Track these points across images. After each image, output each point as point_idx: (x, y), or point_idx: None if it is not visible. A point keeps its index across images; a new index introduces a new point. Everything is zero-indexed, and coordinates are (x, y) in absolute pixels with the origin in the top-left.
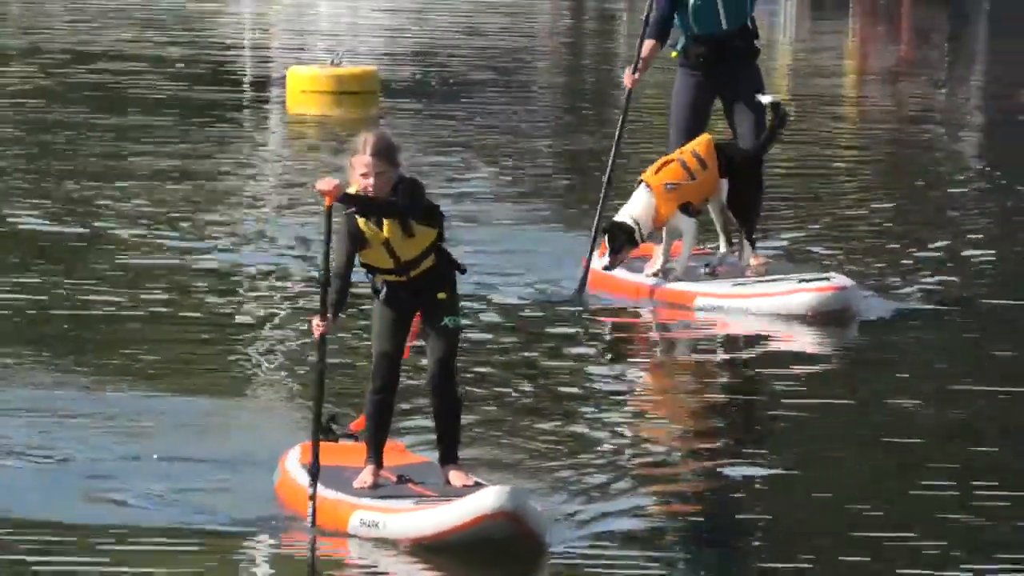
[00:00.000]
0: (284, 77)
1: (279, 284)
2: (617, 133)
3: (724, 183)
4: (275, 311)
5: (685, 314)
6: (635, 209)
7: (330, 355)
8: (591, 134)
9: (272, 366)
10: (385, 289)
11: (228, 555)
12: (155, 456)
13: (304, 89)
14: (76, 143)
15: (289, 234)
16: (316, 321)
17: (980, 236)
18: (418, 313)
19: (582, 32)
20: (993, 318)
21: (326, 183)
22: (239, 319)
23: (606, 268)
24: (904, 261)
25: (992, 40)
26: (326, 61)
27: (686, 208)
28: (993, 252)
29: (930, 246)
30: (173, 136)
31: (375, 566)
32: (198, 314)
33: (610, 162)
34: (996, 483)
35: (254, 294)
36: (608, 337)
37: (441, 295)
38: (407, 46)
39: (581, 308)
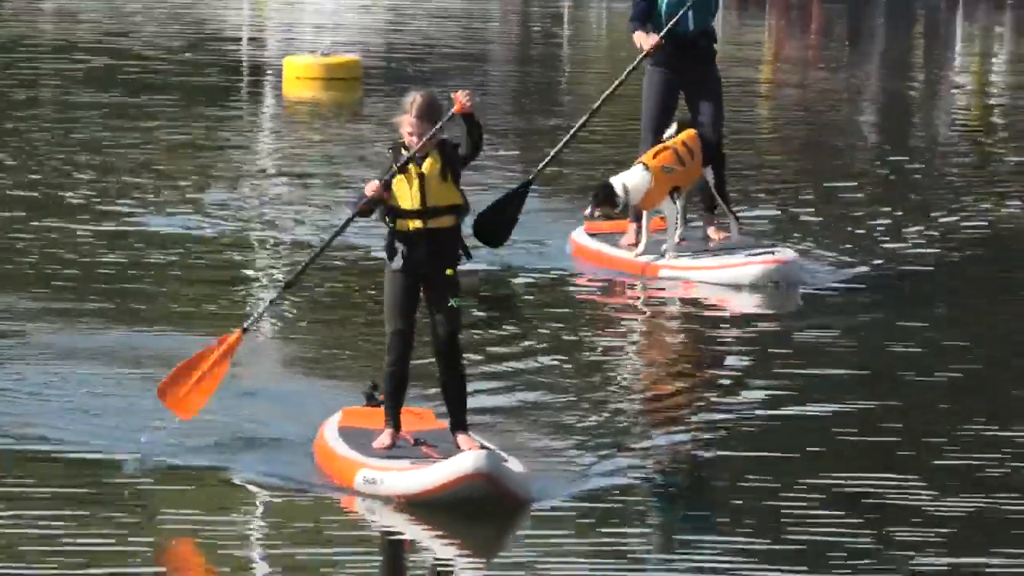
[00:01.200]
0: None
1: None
2: (616, 84)
3: (708, 171)
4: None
5: (653, 283)
6: (629, 180)
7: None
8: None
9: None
10: (401, 250)
11: (256, 506)
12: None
13: (298, 76)
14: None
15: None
16: (374, 184)
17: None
18: (423, 294)
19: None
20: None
21: (371, 187)
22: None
23: (587, 218)
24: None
25: (887, 31)
26: (316, 51)
27: (672, 193)
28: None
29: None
30: (186, 115)
31: (377, 520)
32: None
33: (597, 104)
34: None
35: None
36: (587, 304)
37: (449, 271)
38: (384, 39)
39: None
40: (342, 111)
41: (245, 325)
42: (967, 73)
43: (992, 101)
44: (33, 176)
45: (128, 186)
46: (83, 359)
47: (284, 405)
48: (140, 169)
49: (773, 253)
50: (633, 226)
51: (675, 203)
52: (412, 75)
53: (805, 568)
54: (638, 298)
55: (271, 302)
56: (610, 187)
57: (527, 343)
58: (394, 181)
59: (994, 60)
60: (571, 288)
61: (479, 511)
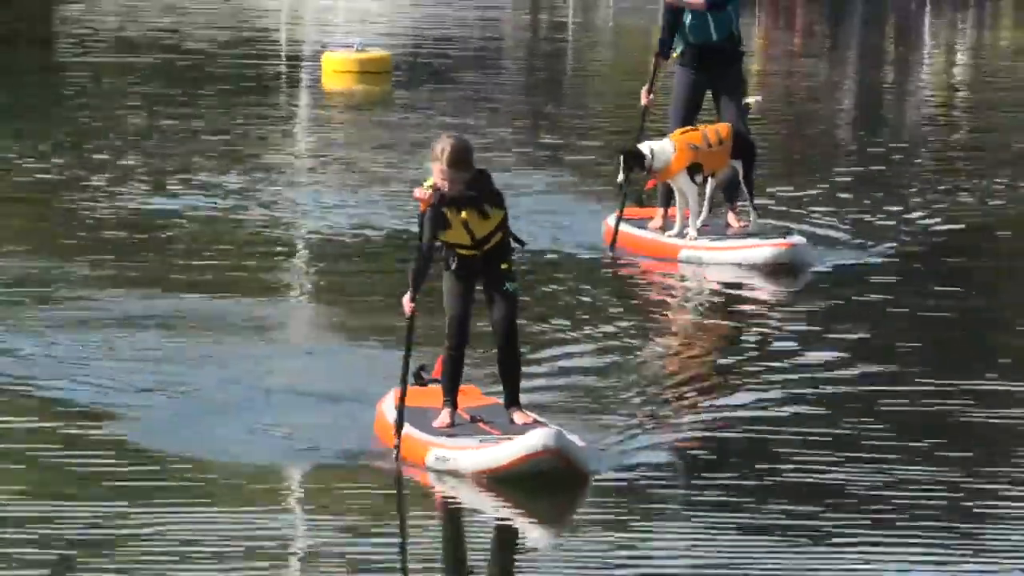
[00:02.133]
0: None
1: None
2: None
3: (738, 164)
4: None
5: (672, 265)
6: (656, 145)
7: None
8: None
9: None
10: (456, 261)
11: (326, 486)
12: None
13: (335, 70)
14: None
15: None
16: (407, 301)
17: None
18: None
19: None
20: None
21: (420, 192)
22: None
23: (619, 185)
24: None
25: (863, 31)
26: (352, 47)
27: (692, 170)
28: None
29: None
30: (236, 103)
31: (449, 494)
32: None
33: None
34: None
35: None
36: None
37: (504, 265)
38: (411, 34)
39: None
40: (375, 101)
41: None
42: (934, 65)
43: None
44: (94, 156)
45: (185, 167)
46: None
47: (349, 381)
48: (196, 153)
49: (785, 237)
50: (661, 211)
51: (694, 181)
52: (435, 68)
53: (852, 540)
54: (671, 280)
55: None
56: (638, 150)
57: (566, 325)
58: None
59: (958, 52)
60: (607, 271)
61: (543, 483)
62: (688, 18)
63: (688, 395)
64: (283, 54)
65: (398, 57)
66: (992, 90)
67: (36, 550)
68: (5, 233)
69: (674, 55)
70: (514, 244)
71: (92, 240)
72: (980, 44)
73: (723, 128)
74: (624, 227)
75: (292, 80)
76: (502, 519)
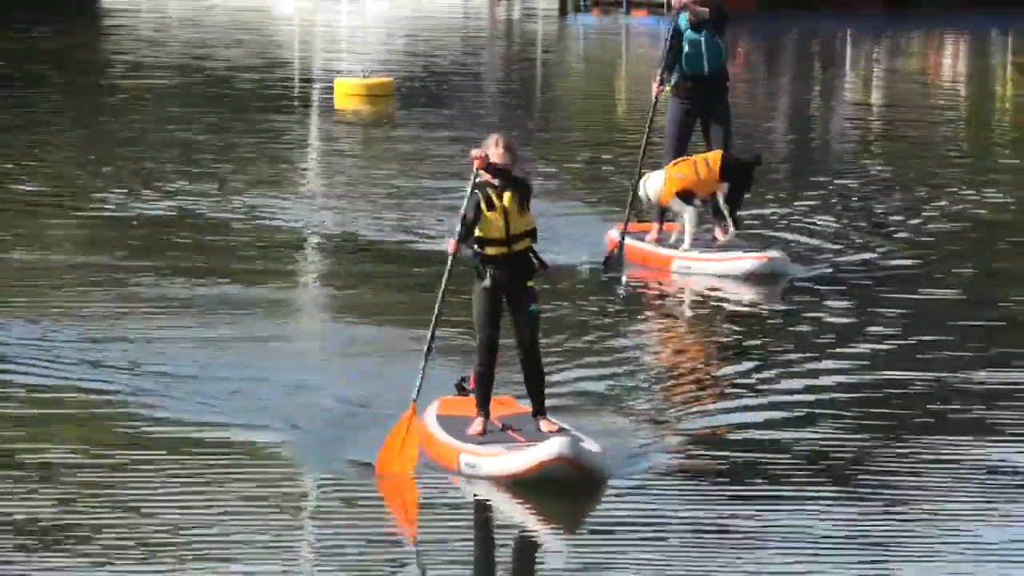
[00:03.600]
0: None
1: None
2: (643, 142)
3: (724, 185)
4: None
5: (664, 274)
6: (653, 186)
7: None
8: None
9: None
10: (488, 277)
11: (366, 492)
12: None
13: (347, 93)
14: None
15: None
16: (452, 241)
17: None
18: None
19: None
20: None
21: (475, 153)
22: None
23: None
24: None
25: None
26: (359, 73)
27: (685, 196)
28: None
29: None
30: (259, 121)
31: (477, 496)
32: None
33: (638, 167)
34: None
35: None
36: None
37: (530, 282)
38: (409, 61)
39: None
40: (381, 120)
41: (413, 397)
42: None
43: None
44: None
45: (215, 177)
46: None
47: (391, 389)
48: (228, 162)
49: (764, 251)
50: (656, 225)
51: (692, 204)
52: (434, 92)
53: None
54: (667, 289)
55: (422, 370)
56: (635, 196)
57: (583, 329)
58: (483, 215)
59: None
60: (606, 280)
61: (562, 488)
62: (685, 48)
63: (696, 400)
64: (314, 79)
65: (399, 81)
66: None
67: None
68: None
69: (668, 88)
70: (537, 265)
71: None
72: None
73: (712, 156)
74: (629, 240)
75: (309, 102)
76: (520, 521)
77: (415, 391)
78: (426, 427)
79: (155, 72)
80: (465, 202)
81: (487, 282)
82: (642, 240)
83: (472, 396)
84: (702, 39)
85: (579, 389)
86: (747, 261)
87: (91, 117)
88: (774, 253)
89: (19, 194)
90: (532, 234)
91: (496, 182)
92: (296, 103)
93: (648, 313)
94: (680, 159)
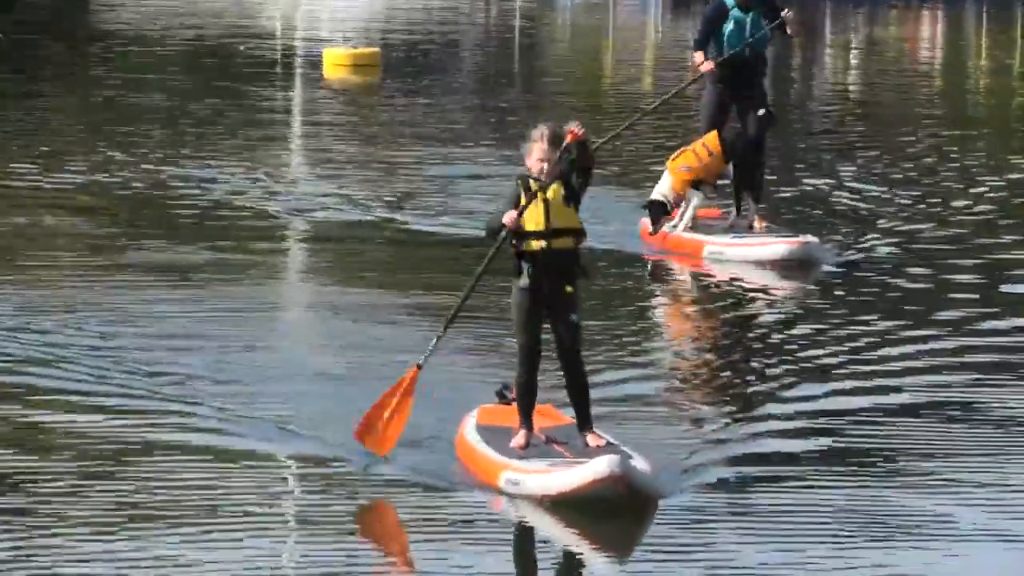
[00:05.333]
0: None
1: None
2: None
3: (730, 166)
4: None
5: (696, 260)
6: (663, 188)
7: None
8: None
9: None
10: (527, 270)
11: (403, 505)
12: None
13: (335, 63)
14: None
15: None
16: (512, 215)
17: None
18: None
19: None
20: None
21: (509, 218)
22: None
23: (651, 234)
24: None
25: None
26: (347, 44)
27: (697, 184)
28: None
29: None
30: (250, 93)
31: (519, 516)
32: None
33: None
34: None
35: None
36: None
37: (569, 288)
38: (392, 33)
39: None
40: (367, 89)
41: (419, 362)
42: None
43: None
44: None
45: (213, 142)
46: None
47: (426, 400)
48: (228, 129)
49: (798, 235)
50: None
51: (700, 191)
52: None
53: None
54: (710, 280)
55: (438, 339)
56: (656, 202)
57: (615, 328)
58: (522, 206)
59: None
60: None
61: (611, 508)
62: (728, 27)
63: (742, 409)
64: (297, 51)
65: (386, 52)
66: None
67: None
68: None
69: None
70: (579, 272)
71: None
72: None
73: (709, 140)
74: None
75: (301, 72)
76: (568, 543)
77: (423, 357)
78: (465, 438)
79: (142, 39)
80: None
81: (525, 280)
82: (672, 227)
83: (514, 405)
84: (748, 20)
85: (614, 395)
86: (781, 246)
87: (76, 85)
88: (808, 237)
89: None
90: (577, 234)
91: (547, 170)
92: (283, 72)
93: (682, 307)
94: (678, 152)
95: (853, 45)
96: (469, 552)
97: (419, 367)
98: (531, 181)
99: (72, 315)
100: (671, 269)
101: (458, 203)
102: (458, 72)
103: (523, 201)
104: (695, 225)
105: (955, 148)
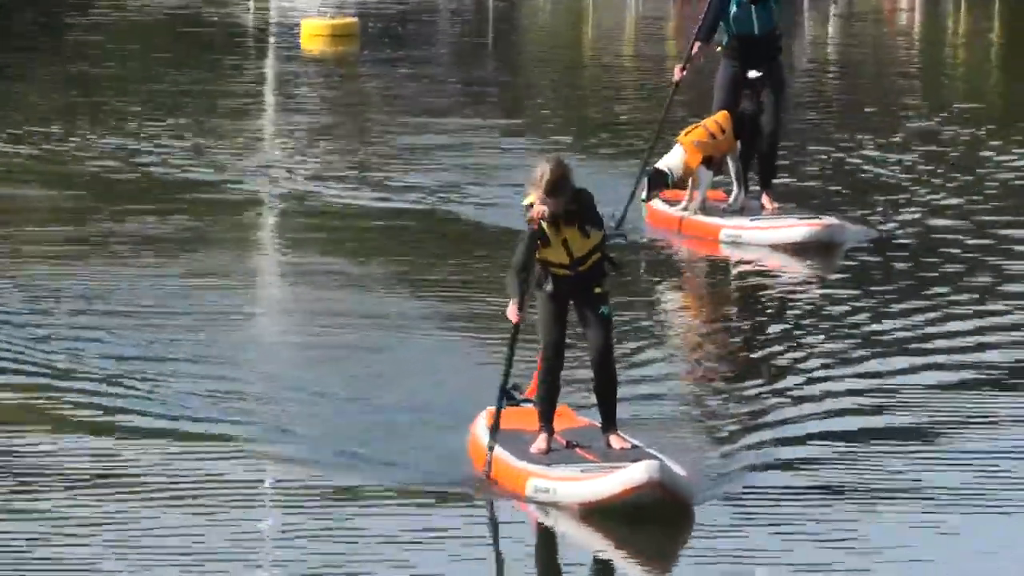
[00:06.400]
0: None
1: None
2: (663, 115)
3: (738, 144)
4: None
5: (713, 244)
6: (671, 161)
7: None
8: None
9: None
10: (551, 283)
11: (422, 512)
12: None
13: (312, 34)
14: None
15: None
16: (513, 309)
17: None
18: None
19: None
20: None
21: (535, 211)
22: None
23: (644, 200)
24: None
25: None
26: (325, 15)
27: (708, 162)
28: None
29: None
30: (235, 60)
31: (546, 524)
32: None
33: (654, 136)
34: None
35: None
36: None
37: (598, 288)
38: (370, 3)
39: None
40: (345, 59)
41: (488, 444)
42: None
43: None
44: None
45: (188, 114)
46: None
47: (435, 405)
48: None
49: (820, 218)
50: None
51: (709, 170)
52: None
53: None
54: (729, 266)
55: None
56: (659, 171)
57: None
58: (541, 247)
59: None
60: (662, 255)
61: (644, 514)
62: (733, 9)
63: (768, 407)
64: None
65: (363, 21)
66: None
67: None
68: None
69: (719, 48)
70: (608, 268)
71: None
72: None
73: (721, 117)
74: (662, 207)
75: (277, 41)
76: (600, 551)
77: (488, 449)
78: (481, 445)
79: (119, 7)
80: (517, 249)
81: (550, 287)
82: (676, 208)
83: (523, 406)
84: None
85: (634, 394)
86: (800, 228)
87: (48, 54)
88: (829, 219)
89: None
90: (600, 247)
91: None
92: (258, 43)
93: (699, 295)
94: (691, 127)
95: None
96: (495, 562)
97: (490, 449)
98: (544, 226)
99: (39, 290)
100: (688, 254)
101: (435, 175)
102: (436, 42)
103: (540, 246)
104: (706, 208)
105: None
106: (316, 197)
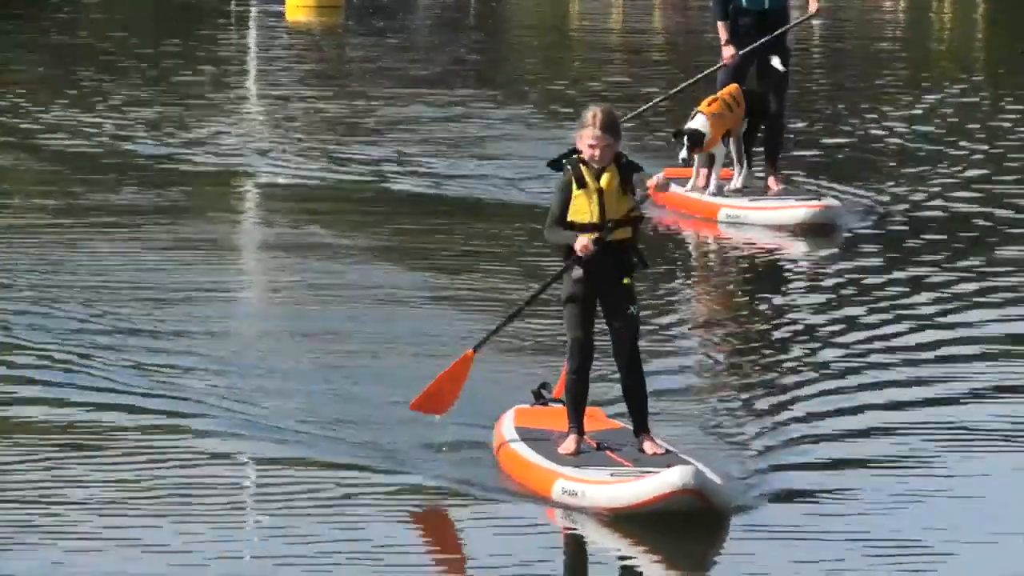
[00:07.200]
0: None
1: None
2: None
3: (745, 121)
4: None
5: (711, 224)
6: (698, 125)
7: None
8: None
9: None
10: (578, 270)
11: (446, 515)
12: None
13: (298, 4)
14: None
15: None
16: (584, 241)
17: None
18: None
19: None
20: None
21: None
22: None
23: (683, 161)
24: None
25: None
26: None
27: (725, 136)
28: None
29: None
30: (213, 33)
31: (575, 529)
32: None
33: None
34: None
35: None
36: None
37: (626, 280)
38: None
39: None
40: (331, 29)
41: (474, 347)
42: None
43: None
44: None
45: (173, 86)
46: None
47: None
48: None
49: (819, 199)
50: (704, 171)
51: (723, 148)
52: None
53: None
54: (729, 248)
55: (498, 329)
56: (699, 132)
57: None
58: (573, 196)
59: None
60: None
61: (678, 522)
62: None
63: (787, 404)
64: None
65: None
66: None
67: None
68: None
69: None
70: (636, 261)
71: None
72: None
73: (734, 90)
74: (677, 187)
75: (262, 12)
76: (627, 557)
77: (480, 341)
78: (508, 444)
79: None
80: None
81: (578, 273)
82: (682, 187)
83: (552, 406)
84: None
85: (664, 387)
86: (800, 210)
87: (29, 24)
88: (829, 201)
89: None
90: (635, 224)
91: (597, 157)
92: (242, 13)
93: (701, 282)
94: (710, 99)
95: None
96: (521, 568)
97: (475, 350)
98: (583, 168)
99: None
100: (686, 236)
101: (420, 146)
102: (421, 13)
103: (575, 190)
104: (707, 184)
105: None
106: (299, 168)
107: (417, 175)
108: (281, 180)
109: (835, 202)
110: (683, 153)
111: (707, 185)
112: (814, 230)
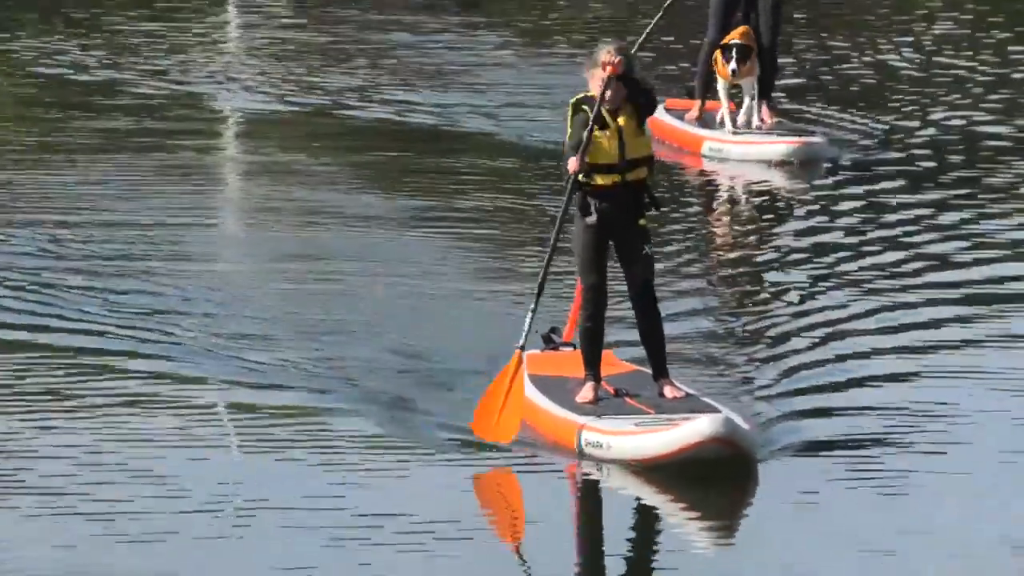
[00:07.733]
0: None
1: None
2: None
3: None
4: None
5: (695, 157)
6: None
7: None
8: None
9: None
10: (596, 206)
11: (468, 469)
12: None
13: None
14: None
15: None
16: (573, 160)
17: None
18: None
19: None
20: None
21: (607, 58)
22: None
23: (734, 72)
24: None
25: None
26: None
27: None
28: None
29: None
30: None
31: (601, 479)
32: None
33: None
34: None
35: None
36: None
37: (642, 221)
38: None
39: None
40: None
41: (519, 344)
42: None
43: None
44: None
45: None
46: None
47: (465, 344)
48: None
49: (801, 135)
50: (699, 103)
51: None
52: None
53: None
54: (718, 182)
55: (532, 315)
56: (748, 46)
57: None
58: (594, 137)
59: None
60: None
61: (705, 471)
62: None
63: (797, 350)
64: None
65: None
66: None
67: None
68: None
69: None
70: (649, 204)
71: None
72: None
73: (745, 31)
74: (666, 117)
75: None
76: (663, 510)
77: (522, 336)
78: (524, 396)
79: None
80: (567, 124)
81: (592, 218)
82: (680, 118)
83: (563, 350)
84: None
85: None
86: (782, 145)
87: None
88: (812, 137)
89: None
90: (649, 162)
91: (608, 96)
92: None
93: (696, 223)
94: (741, 28)
95: None
96: (551, 522)
97: (521, 349)
98: (603, 110)
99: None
100: (672, 170)
101: (400, 75)
102: None
103: (596, 131)
104: (702, 116)
105: None
106: (282, 100)
107: (388, 103)
108: (257, 106)
109: (818, 138)
110: (732, 65)
111: (698, 118)
112: (798, 164)
